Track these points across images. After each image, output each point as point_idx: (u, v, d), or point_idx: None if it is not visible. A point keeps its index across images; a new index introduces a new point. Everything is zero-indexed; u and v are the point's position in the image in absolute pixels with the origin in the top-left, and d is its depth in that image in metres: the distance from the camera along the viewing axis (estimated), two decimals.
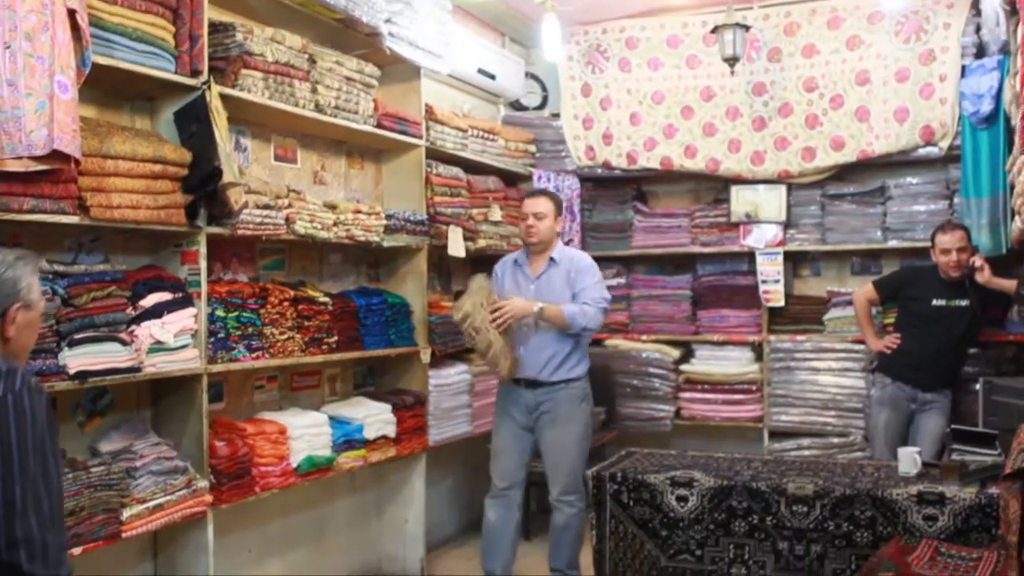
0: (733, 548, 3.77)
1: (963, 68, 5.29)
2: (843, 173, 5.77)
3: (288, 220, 3.97)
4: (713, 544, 3.80)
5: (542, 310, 4.17)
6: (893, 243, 5.65)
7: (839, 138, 5.62)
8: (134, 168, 3.19)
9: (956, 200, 5.41)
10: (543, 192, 4.65)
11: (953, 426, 4.27)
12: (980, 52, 5.32)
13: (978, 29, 5.31)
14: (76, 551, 2.95)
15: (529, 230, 4.37)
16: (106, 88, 3.42)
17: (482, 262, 5.30)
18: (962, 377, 5.04)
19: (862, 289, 5.25)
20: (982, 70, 5.15)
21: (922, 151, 5.47)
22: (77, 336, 3.05)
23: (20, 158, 2.74)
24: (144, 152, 3.22)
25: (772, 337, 5.90)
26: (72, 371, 3.01)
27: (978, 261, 4.71)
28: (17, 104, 2.72)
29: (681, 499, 3.85)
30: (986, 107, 5.06)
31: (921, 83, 5.38)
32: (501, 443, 4.45)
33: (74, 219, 3.01)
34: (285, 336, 4.01)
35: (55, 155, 2.79)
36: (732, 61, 5.33)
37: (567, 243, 6.00)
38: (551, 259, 4.38)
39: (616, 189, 6.39)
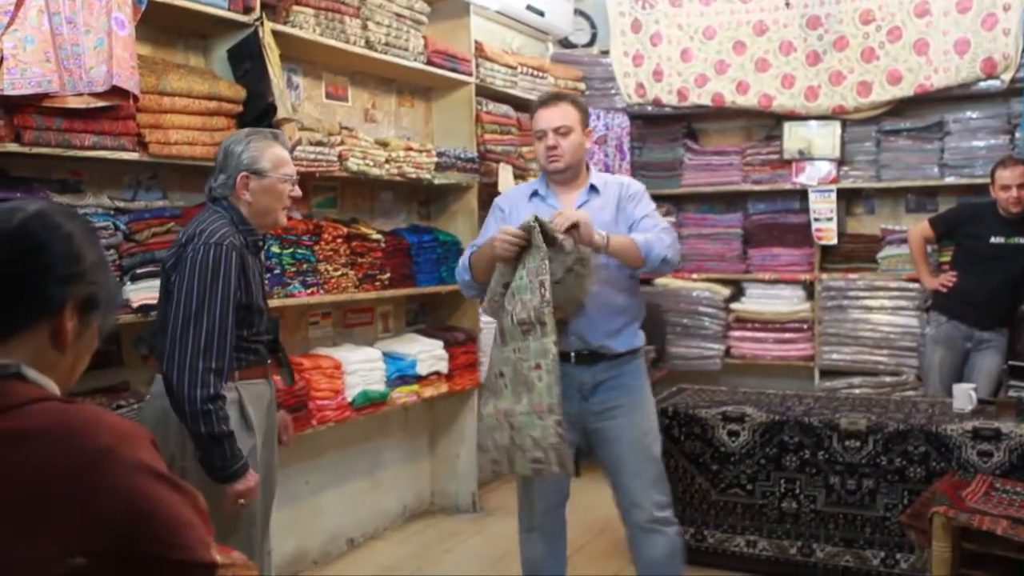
0: (784, 482, 3.79)
1: None
2: (899, 108, 5.63)
3: (341, 157, 4.00)
4: (764, 478, 3.83)
5: (607, 238, 2.86)
6: (950, 180, 5.52)
7: (896, 72, 5.48)
8: (190, 105, 3.23)
9: (1017, 135, 5.26)
10: (562, 97, 3.16)
11: (1010, 362, 4.22)
12: None
13: None
14: None
15: (551, 153, 3.04)
16: (160, 26, 3.44)
17: None
18: (1019, 315, 4.96)
19: (917, 227, 5.16)
20: None
21: (983, 84, 5.32)
22: (139, 271, 3.11)
23: (81, 95, 2.78)
24: (200, 89, 3.26)
25: (824, 276, 5.84)
26: (135, 304, 3.07)
27: None
28: (76, 41, 2.75)
29: (732, 434, 3.86)
30: None
31: (983, 13, 5.21)
32: None
33: (134, 155, 3.05)
34: (339, 272, 4.06)
35: (114, 92, 2.82)
36: None
37: None
38: (591, 187, 3.12)
39: (666, 127, 6.31)
